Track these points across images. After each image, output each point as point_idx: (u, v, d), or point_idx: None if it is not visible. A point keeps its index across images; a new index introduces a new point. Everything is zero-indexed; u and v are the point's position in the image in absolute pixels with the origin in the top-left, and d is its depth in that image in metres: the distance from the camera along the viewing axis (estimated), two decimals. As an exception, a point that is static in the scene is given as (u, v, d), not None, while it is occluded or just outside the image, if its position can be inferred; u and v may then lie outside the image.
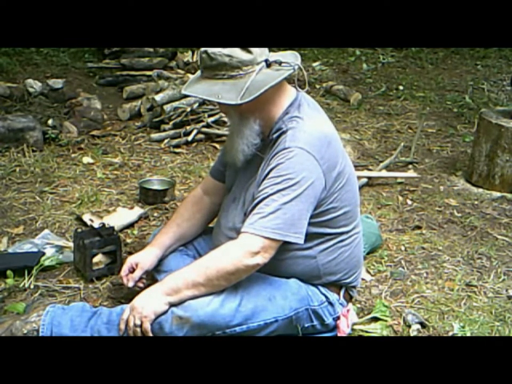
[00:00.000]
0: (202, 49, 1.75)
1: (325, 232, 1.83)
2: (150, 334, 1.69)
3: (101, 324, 1.75)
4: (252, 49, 1.72)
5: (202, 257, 1.75)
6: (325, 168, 1.72)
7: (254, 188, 1.78)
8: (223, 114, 4.09)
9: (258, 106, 1.76)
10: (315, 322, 1.89)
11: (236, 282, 1.72)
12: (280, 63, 1.76)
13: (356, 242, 1.92)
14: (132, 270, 2.03)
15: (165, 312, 1.70)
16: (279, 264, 1.80)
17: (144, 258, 2.03)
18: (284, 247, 1.74)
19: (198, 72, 1.84)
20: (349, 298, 2.02)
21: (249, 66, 1.72)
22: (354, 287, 2.01)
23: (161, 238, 2.06)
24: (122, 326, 1.71)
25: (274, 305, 1.78)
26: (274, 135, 1.79)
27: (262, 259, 1.66)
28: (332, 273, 1.88)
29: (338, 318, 1.93)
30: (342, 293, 1.95)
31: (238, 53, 1.71)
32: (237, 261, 1.66)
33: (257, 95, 1.68)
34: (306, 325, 1.88)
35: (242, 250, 1.66)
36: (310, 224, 1.73)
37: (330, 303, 1.90)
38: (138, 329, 1.69)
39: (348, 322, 1.93)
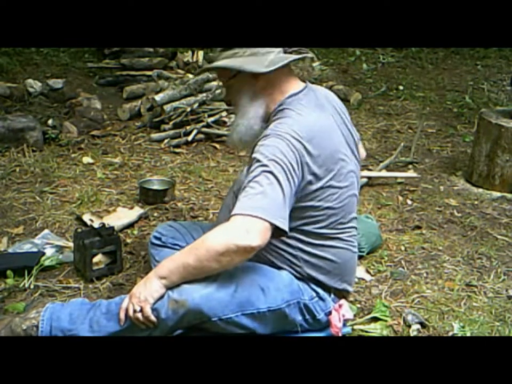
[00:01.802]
0: None
1: (305, 229, 1.81)
2: (152, 318, 1.69)
3: (100, 314, 1.75)
4: None
5: (194, 240, 1.75)
6: (303, 159, 1.70)
7: (243, 176, 1.80)
8: (223, 114, 4.11)
9: (269, 87, 1.81)
10: (307, 317, 1.89)
11: (229, 266, 1.67)
12: (296, 51, 1.82)
13: (342, 247, 1.89)
14: None
15: (162, 297, 1.71)
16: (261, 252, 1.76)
17: None
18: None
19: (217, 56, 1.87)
20: (341, 297, 2.00)
21: (267, 49, 1.79)
22: (343, 291, 1.98)
23: None
24: (122, 315, 1.72)
25: (267, 295, 1.80)
26: (265, 126, 1.81)
27: (254, 240, 1.60)
28: (311, 265, 1.86)
29: (330, 313, 1.93)
30: (332, 291, 1.94)
31: None
32: (227, 241, 1.61)
33: (282, 64, 1.75)
34: (299, 318, 1.88)
35: (232, 230, 1.62)
36: (291, 217, 1.70)
37: (321, 298, 1.90)
38: (139, 315, 1.69)
39: (340, 316, 1.91)
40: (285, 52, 1.82)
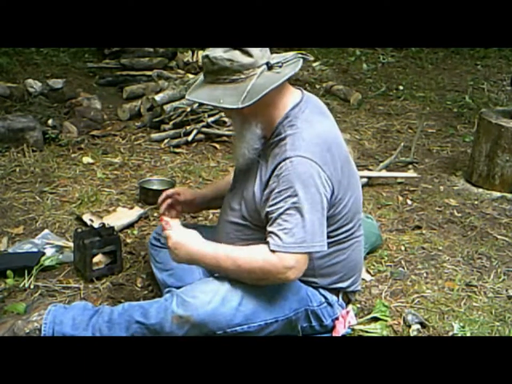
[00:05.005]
0: (204, 53, 1.75)
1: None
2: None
3: (102, 322, 1.75)
4: (253, 52, 1.70)
5: (239, 250, 1.74)
6: (329, 173, 1.71)
7: (256, 190, 1.79)
8: (223, 114, 4.10)
9: (260, 109, 1.75)
10: (314, 323, 1.89)
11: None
12: (281, 65, 1.74)
13: (354, 247, 1.91)
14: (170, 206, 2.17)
15: (166, 310, 1.73)
16: None
17: (185, 190, 2.26)
18: None
19: (202, 77, 1.84)
20: (348, 301, 2.01)
21: (250, 70, 1.71)
22: (353, 292, 2.01)
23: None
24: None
25: (274, 306, 1.79)
26: (274, 139, 1.78)
27: (294, 274, 1.69)
28: (327, 274, 1.88)
29: (337, 319, 1.93)
30: (340, 295, 1.95)
31: (238, 56, 1.69)
32: (269, 273, 1.69)
33: (257, 98, 1.68)
34: (304, 325, 1.88)
35: (275, 266, 1.68)
36: None
37: (330, 304, 1.90)
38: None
39: (345, 323, 1.93)
40: (271, 67, 1.73)
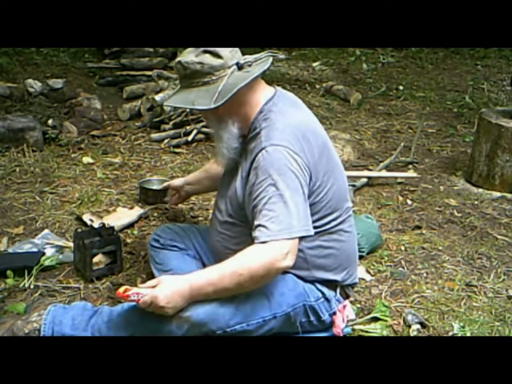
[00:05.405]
0: (177, 59, 1.83)
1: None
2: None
3: (102, 322, 1.75)
4: (223, 54, 1.77)
5: (230, 262, 1.69)
6: (306, 160, 1.74)
7: (238, 186, 1.83)
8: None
9: (234, 108, 1.81)
10: (312, 318, 1.90)
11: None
12: (250, 64, 1.81)
13: (345, 238, 1.92)
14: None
15: None
16: None
17: (174, 182, 2.62)
18: None
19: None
20: (346, 296, 2.02)
21: (221, 71, 1.77)
22: (349, 285, 2.01)
23: None
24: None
25: (272, 302, 1.80)
26: (251, 135, 1.83)
27: (291, 261, 1.69)
28: (321, 267, 1.88)
29: (334, 313, 1.93)
30: (338, 289, 1.95)
31: (208, 59, 1.77)
32: (270, 266, 1.67)
33: (228, 97, 1.73)
34: (303, 320, 1.89)
35: (272, 255, 1.66)
36: None
37: (327, 299, 1.91)
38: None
39: (344, 317, 1.92)
40: (241, 67, 1.79)
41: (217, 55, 1.77)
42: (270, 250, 1.66)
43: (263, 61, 1.83)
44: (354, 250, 2.00)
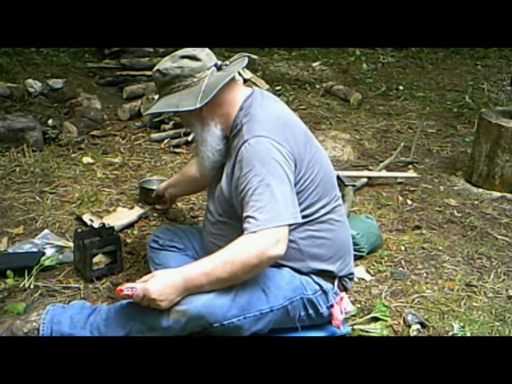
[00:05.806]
0: (154, 69, 1.87)
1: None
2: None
3: (100, 320, 1.75)
4: (200, 56, 1.82)
5: (221, 253, 1.71)
6: (289, 148, 1.75)
7: (224, 183, 1.84)
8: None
9: (215, 109, 1.84)
10: (310, 311, 1.90)
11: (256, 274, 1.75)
12: (227, 65, 1.86)
13: (337, 227, 1.93)
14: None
15: None
16: None
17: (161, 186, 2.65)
18: None
19: (157, 96, 1.93)
20: (343, 289, 2.01)
21: (201, 73, 1.82)
22: (346, 277, 2.01)
23: None
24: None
25: (269, 295, 1.80)
26: (233, 133, 1.85)
27: (282, 248, 1.68)
28: (315, 257, 1.89)
29: (332, 306, 1.93)
30: (336, 282, 1.96)
31: (187, 63, 1.81)
32: (262, 254, 1.66)
33: (214, 94, 1.76)
34: (302, 314, 1.89)
35: (263, 243, 1.66)
36: None
37: (324, 292, 1.91)
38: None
39: (342, 309, 1.92)
40: (219, 67, 1.85)
41: (195, 58, 1.82)
42: (260, 239, 1.66)
43: (239, 61, 1.88)
44: (347, 239, 2.01)
